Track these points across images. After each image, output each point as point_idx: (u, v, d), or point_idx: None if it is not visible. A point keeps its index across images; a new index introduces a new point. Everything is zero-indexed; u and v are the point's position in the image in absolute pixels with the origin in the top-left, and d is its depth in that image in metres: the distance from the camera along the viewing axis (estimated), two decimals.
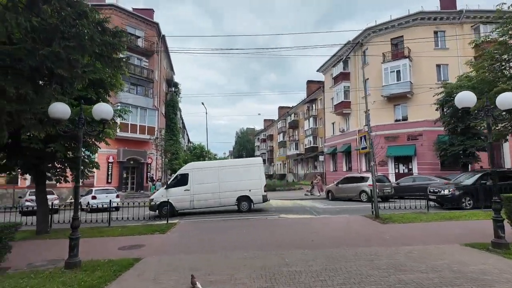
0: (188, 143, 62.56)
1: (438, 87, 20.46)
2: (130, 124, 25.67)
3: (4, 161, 10.35)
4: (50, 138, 9.04)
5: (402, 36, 26.56)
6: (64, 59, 6.17)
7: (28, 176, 19.35)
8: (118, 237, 9.27)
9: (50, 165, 10.75)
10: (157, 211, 14.25)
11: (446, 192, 13.40)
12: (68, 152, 10.14)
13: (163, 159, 30.31)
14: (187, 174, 14.86)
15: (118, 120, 14.39)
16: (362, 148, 12.22)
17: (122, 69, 8.74)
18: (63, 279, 5.11)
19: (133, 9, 29.49)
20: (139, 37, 28.27)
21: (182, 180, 14.79)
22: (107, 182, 25.05)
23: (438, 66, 25.63)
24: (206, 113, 36.97)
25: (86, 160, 11.36)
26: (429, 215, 10.74)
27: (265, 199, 15.14)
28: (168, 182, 15.69)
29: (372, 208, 11.30)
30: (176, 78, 46.11)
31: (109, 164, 25.73)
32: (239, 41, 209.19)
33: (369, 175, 17.89)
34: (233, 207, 14.86)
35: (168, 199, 13.53)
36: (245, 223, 11.30)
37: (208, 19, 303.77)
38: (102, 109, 6.46)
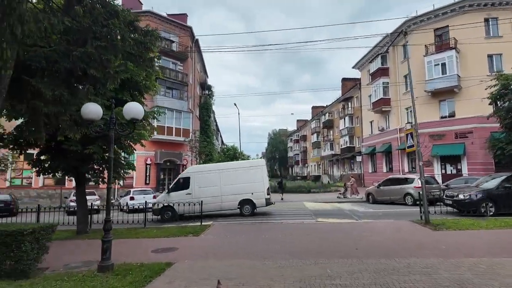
0: (222, 145, 63.29)
1: (491, 79, 18.47)
2: (166, 126, 26.28)
3: (49, 163, 10.85)
4: (88, 140, 9.22)
5: (447, 26, 24.46)
6: (96, 59, 6.13)
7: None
8: (152, 238, 9.22)
9: (89, 166, 11.03)
10: (159, 215, 13.93)
11: (462, 196, 11.76)
12: (105, 154, 10.30)
13: (197, 161, 30.68)
14: (189, 177, 14.43)
15: (155, 123, 14.60)
16: (409, 147, 11.18)
17: (154, 69, 8.70)
18: (94, 284, 4.97)
19: (168, 14, 30.22)
20: (173, 41, 28.87)
21: (184, 184, 14.37)
22: (145, 183, 25.75)
23: (489, 56, 23.26)
24: (239, 113, 36.94)
25: (123, 162, 11.53)
26: (489, 221, 9.51)
27: (268, 203, 14.36)
28: (170, 186, 15.20)
29: (421, 212, 10.27)
30: (209, 82, 46.77)
31: (147, 166, 26.46)
32: (271, 41, 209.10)
33: (414, 176, 16.61)
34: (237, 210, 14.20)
35: (170, 203, 13.31)
36: (280, 226, 10.79)
37: (240, 23, 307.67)
38: (132, 108, 6.31)
